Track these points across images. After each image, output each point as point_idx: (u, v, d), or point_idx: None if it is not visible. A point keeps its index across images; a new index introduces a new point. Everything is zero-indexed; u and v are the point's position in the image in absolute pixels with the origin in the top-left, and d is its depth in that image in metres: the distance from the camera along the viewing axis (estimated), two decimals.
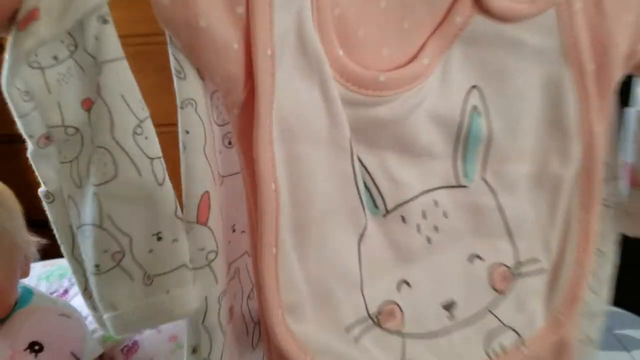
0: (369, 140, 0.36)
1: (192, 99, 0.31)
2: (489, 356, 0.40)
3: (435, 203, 0.39)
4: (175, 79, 0.31)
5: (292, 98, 0.32)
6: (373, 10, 0.34)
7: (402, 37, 0.35)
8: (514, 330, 0.41)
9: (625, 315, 0.77)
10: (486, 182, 0.40)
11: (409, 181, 0.38)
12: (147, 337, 0.65)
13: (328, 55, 0.33)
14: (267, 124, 0.31)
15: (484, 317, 0.41)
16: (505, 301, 0.41)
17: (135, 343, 0.65)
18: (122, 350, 0.64)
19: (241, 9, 0.30)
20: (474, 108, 0.38)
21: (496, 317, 0.41)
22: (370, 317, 0.38)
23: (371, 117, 0.35)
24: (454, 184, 0.39)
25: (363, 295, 0.37)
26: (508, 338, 0.41)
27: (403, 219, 0.38)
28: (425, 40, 0.36)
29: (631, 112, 0.46)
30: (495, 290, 0.41)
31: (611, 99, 0.41)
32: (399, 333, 0.39)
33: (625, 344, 0.71)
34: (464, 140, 0.39)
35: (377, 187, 0.37)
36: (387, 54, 0.35)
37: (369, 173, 0.36)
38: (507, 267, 0.41)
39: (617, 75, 0.40)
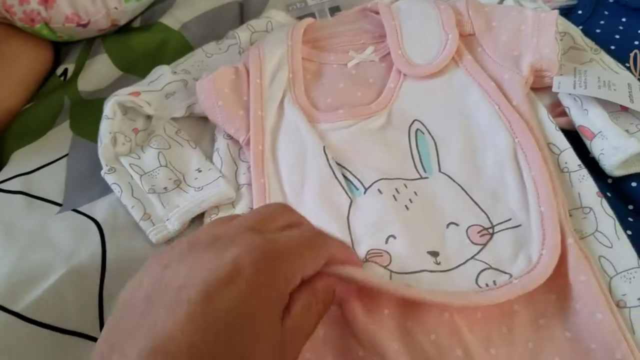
0: (345, 147, 0.55)
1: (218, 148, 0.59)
2: (479, 287, 0.43)
3: (405, 185, 0.51)
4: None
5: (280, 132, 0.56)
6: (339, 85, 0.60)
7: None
8: (503, 271, 0.44)
9: None
10: (444, 173, 0.52)
11: (381, 167, 0.52)
12: None
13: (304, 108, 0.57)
14: (259, 149, 0.55)
15: (469, 263, 0.45)
16: (487, 251, 0.45)
17: None
18: None
19: (245, 97, 0.59)
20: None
21: (482, 262, 0.45)
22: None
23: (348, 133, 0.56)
24: (417, 177, 0.52)
25: (353, 249, 0.47)
26: (498, 276, 0.44)
27: (380, 191, 0.50)
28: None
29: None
30: (476, 244, 0.46)
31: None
32: (386, 268, 0.45)
33: None
34: (415, 149, 0.54)
35: (354, 175, 0.53)
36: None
37: (346, 168, 0.53)
38: (482, 227, 0.47)
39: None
